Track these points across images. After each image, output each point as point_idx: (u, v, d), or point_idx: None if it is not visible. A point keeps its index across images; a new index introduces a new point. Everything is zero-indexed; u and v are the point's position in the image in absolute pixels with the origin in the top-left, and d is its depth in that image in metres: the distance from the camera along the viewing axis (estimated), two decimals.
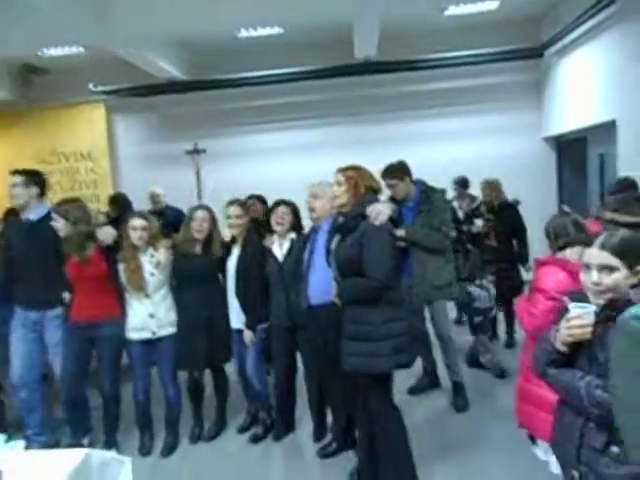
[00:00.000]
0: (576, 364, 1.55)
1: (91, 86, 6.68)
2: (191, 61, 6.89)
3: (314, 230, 3.12)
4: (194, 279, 3.31)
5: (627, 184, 3.34)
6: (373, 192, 2.66)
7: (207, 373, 3.54)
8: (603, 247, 1.53)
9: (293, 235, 3.31)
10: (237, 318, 3.32)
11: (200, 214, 3.32)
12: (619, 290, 1.49)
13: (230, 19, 4.97)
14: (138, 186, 7.01)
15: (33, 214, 3.25)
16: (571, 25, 5.34)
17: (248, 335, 3.27)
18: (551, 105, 6.58)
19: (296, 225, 3.38)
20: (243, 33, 6.10)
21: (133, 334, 3.23)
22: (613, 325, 1.39)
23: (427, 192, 3.74)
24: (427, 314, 3.85)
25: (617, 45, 4.76)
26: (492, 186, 4.74)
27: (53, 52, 6.40)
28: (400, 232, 3.63)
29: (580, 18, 5.08)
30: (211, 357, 3.33)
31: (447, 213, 3.78)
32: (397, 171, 3.71)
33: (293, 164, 6.93)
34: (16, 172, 3.24)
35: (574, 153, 6.48)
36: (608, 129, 4.95)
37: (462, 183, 5.33)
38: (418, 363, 4.12)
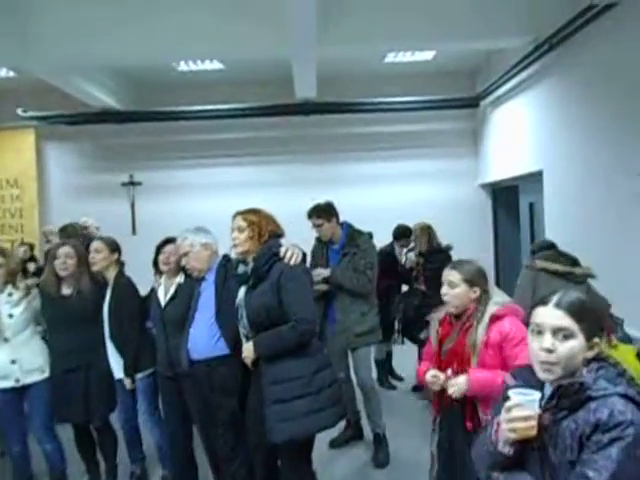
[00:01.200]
0: (526, 465, 1.30)
1: (20, 111, 6.38)
2: (129, 91, 6.73)
3: (199, 281, 2.84)
4: (65, 323, 2.98)
5: (546, 245, 3.44)
6: (276, 237, 2.51)
7: None
8: (558, 306, 1.29)
9: (181, 279, 3.00)
10: (117, 364, 3.04)
11: (63, 250, 3.00)
12: (571, 365, 1.25)
13: (166, 51, 4.86)
14: (67, 217, 6.68)
15: None
16: (502, 78, 5.53)
17: (127, 382, 3.01)
18: (486, 153, 6.77)
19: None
20: (183, 66, 6.02)
21: None
22: (566, 417, 1.22)
23: (353, 234, 3.67)
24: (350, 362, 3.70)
25: (543, 99, 4.94)
26: (422, 231, 4.73)
27: None
28: (325, 272, 3.56)
29: (509, 72, 5.27)
30: (89, 409, 3.01)
31: (373, 257, 3.70)
32: (323, 212, 3.63)
33: (230, 201, 6.69)
34: None
35: (507, 201, 6.64)
36: (537, 179, 5.08)
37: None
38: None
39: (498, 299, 2.17)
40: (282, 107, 6.34)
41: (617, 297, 2.96)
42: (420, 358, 4.03)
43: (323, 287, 3.59)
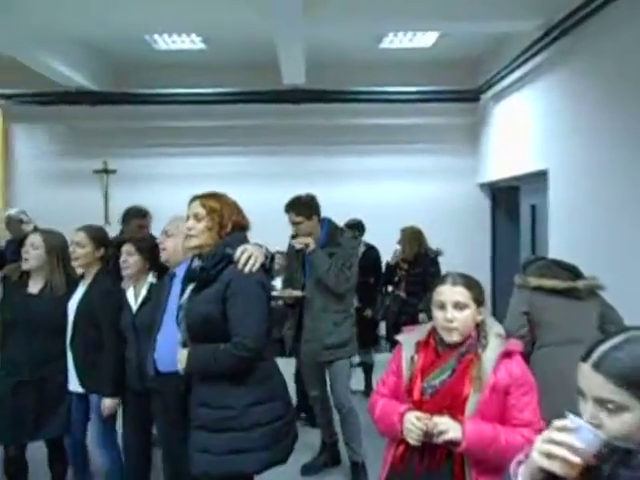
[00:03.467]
0: None
1: None
2: (105, 72, 6.23)
3: (170, 277, 2.44)
4: (23, 325, 2.60)
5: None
6: (241, 230, 2.07)
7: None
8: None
9: (153, 278, 2.64)
10: (73, 376, 2.63)
11: (30, 239, 2.65)
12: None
13: (139, 22, 4.38)
14: (35, 204, 6.21)
15: None
16: (505, 69, 5.10)
17: (107, 404, 2.58)
18: (486, 150, 6.33)
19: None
20: (162, 44, 5.54)
21: None
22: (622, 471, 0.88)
23: (334, 233, 3.24)
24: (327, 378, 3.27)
25: (551, 91, 4.51)
26: (412, 236, 4.36)
27: None
28: (296, 293, 3.16)
29: (514, 62, 4.84)
30: (39, 428, 2.60)
31: (354, 257, 3.26)
32: (304, 207, 3.19)
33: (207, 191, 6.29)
34: None
35: (507, 202, 6.21)
36: (540, 179, 4.66)
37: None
38: (316, 435, 3.54)
39: (497, 327, 1.73)
40: (268, 93, 5.87)
41: (631, 310, 2.54)
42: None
43: (297, 293, 3.17)
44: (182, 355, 1.95)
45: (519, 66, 4.84)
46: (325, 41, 5.34)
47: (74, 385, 2.63)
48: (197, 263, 2.05)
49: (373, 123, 6.41)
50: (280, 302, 3.42)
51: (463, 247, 5.91)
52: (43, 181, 6.60)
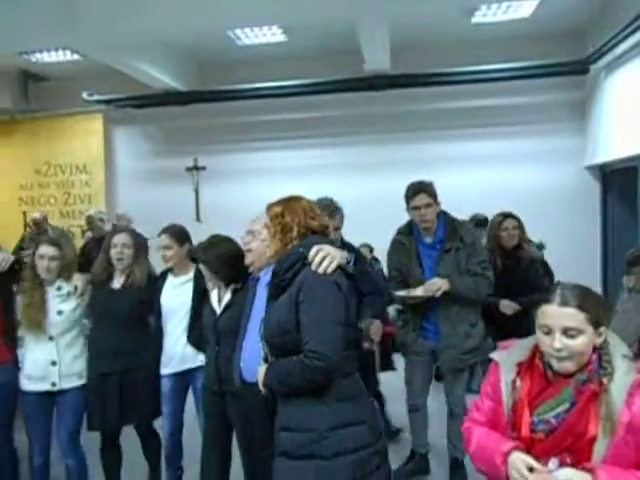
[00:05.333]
0: None
1: (85, 95, 6.25)
2: (191, 72, 6.36)
3: (254, 280, 2.32)
4: (109, 319, 2.70)
5: None
6: (314, 233, 1.86)
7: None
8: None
9: (237, 284, 2.52)
10: (180, 361, 2.76)
11: (120, 238, 2.74)
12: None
13: (222, 17, 4.37)
14: (133, 202, 6.56)
15: None
16: (619, 35, 4.45)
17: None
18: (596, 129, 5.63)
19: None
20: (244, 40, 5.53)
21: (28, 384, 2.64)
22: None
23: (454, 225, 2.93)
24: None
25: None
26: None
27: (47, 58, 6.02)
28: (441, 283, 2.80)
29: (629, 27, 4.21)
30: (124, 416, 2.71)
31: (485, 253, 3.01)
32: (433, 190, 2.93)
33: (297, 185, 6.14)
34: None
35: (622, 186, 5.50)
36: None
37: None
38: (406, 443, 3.33)
39: (622, 347, 1.40)
40: (352, 82, 5.64)
41: None
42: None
43: (419, 293, 2.85)
44: (261, 372, 1.81)
45: (635, 31, 4.21)
46: (410, 22, 5.01)
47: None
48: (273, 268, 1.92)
49: (467, 106, 5.96)
50: (395, 306, 3.17)
51: (568, 239, 5.35)
52: (140, 180, 6.93)
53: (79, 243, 6.19)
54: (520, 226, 3.50)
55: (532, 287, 3.23)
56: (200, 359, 2.72)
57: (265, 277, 2.20)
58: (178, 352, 2.76)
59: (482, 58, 5.51)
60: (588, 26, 5.50)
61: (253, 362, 2.06)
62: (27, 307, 2.61)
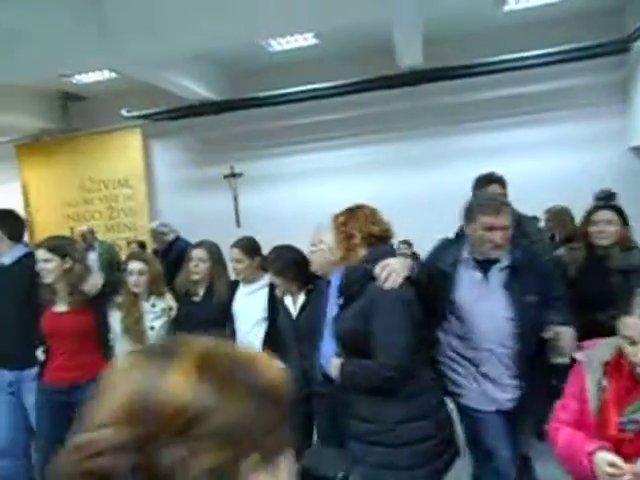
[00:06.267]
0: None
1: (124, 112, 6.42)
2: (223, 80, 6.46)
3: (326, 284, 2.47)
4: (192, 329, 2.75)
5: None
6: (377, 240, 1.98)
7: None
8: None
9: (308, 286, 2.67)
10: None
11: (196, 253, 2.87)
12: None
13: (255, 28, 4.44)
14: (175, 212, 6.72)
15: (6, 257, 2.86)
16: None
17: None
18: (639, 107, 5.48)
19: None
20: (276, 46, 5.58)
21: None
22: None
23: (519, 220, 2.71)
24: None
25: None
26: (559, 216, 3.81)
27: (86, 79, 6.22)
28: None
29: None
30: None
31: (551, 250, 3.00)
32: (503, 180, 2.93)
33: (336, 187, 6.26)
34: None
35: None
36: None
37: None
38: None
39: None
40: (385, 79, 5.63)
41: None
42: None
43: None
44: (334, 365, 2.00)
45: None
46: (441, 15, 4.96)
47: None
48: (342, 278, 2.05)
49: (503, 95, 5.87)
50: None
51: None
52: (179, 190, 7.09)
53: (125, 255, 6.41)
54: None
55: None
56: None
57: (335, 281, 2.35)
58: None
59: (515, 46, 5.41)
60: (626, 3, 5.34)
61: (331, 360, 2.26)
62: (130, 323, 2.73)
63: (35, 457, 2.88)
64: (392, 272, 1.85)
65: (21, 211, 7.11)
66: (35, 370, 2.82)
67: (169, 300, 2.87)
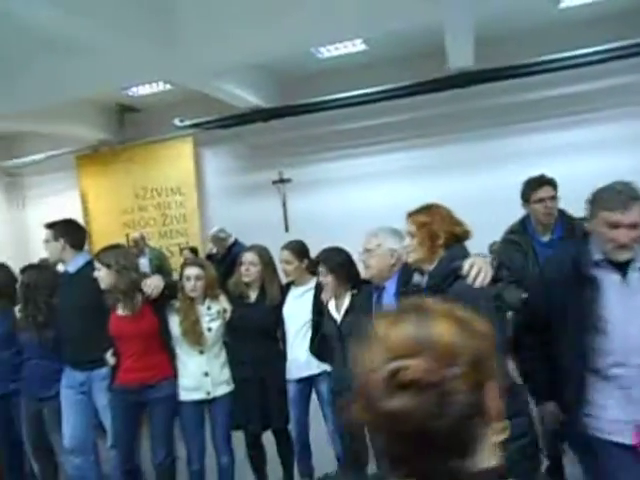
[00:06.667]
0: None
1: (177, 121, 6.63)
2: (273, 88, 6.57)
3: (377, 289, 2.48)
4: (246, 331, 2.93)
5: None
6: (456, 240, 1.97)
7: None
8: None
9: (354, 289, 2.72)
10: (304, 368, 2.94)
11: (247, 257, 2.98)
12: None
13: (307, 37, 4.52)
14: (225, 218, 6.85)
15: (71, 266, 3.04)
16: None
17: None
18: None
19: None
20: (325, 53, 5.65)
21: (185, 395, 2.90)
22: None
23: (572, 223, 2.85)
24: None
25: None
26: None
27: (142, 91, 6.46)
28: None
29: None
30: (266, 416, 2.96)
31: None
32: (554, 182, 2.92)
33: (384, 191, 6.26)
34: (47, 226, 3.04)
35: None
36: None
37: None
38: None
39: None
40: (436, 82, 5.60)
41: None
42: None
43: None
44: None
45: None
46: (494, 15, 4.89)
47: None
48: (417, 278, 2.03)
49: (560, 94, 5.70)
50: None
51: None
52: (229, 196, 7.24)
53: (177, 261, 6.59)
54: None
55: None
56: (325, 365, 2.86)
57: (391, 287, 2.37)
58: (302, 358, 2.92)
59: (571, 44, 5.27)
60: None
61: None
62: (189, 326, 2.85)
63: (109, 455, 3.02)
64: (481, 270, 1.81)
65: (80, 219, 7.53)
66: (105, 370, 2.96)
67: (223, 302, 2.98)
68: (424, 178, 6.07)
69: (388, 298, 2.36)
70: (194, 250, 6.60)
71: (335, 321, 2.69)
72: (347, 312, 2.66)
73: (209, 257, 5.79)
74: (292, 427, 3.05)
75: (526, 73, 5.45)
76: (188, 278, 2.87)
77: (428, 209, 1.99)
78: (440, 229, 1.93)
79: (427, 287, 1.92)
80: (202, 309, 2.91)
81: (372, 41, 5.44)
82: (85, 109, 6.71)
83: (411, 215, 2.00)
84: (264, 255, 3.02)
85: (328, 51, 5.59)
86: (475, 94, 5.73)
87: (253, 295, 3.01)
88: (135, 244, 6.23)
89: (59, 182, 7.75)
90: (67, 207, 7.29)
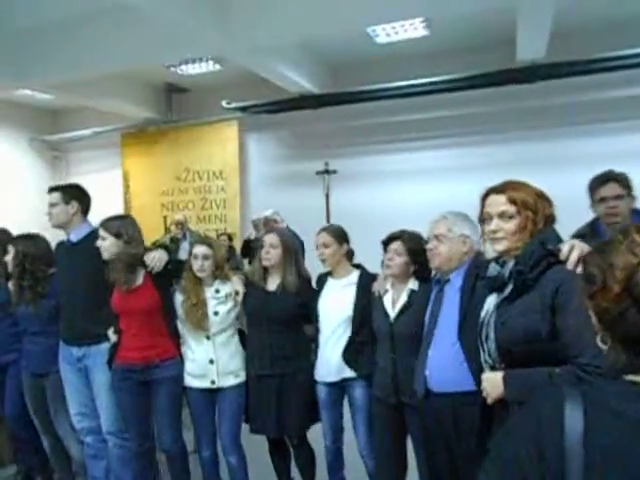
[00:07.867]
0: None
1: (224, 103, 6.45)
2: (326, 73, 6.31)
3: (438, 282, 2.21)
4: (265, 321, 2.69)
5: None
6: (549, 224, 1.68)
7: None
8: None
9: (413, 285, 2.42)
10: (336, 371, 2.65)
11: (268, 238, 2.76)
12: None
13: (364, 13, 4.22)
14: (265, 206, 6.61)
15: (74, 235, 2.86)
16: None
17: None
18: None
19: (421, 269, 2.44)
20: (383, 37, 5.33)
21: (191, 380, 2.72)
22: None
23: None
24: None
25: None
26: None
27: (191, 70, 6.30)
28: None
29: None
30: (282, 420, 2.67)
31: None
32: (623, 178, 2.67)
33: (434, 189, 5.90)
34: (52, 189, 2.86)
35: None
36: None
37: None
38: None
39: None
40: (499, 74, 5.19)
41: None
42: None
43: None
44: (493, 379, 1.60)
45: None
46: (576, 2, 4.48)
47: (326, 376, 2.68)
48: (495, 269, 1.70)
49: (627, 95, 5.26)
50: None
51: None
52: (271, 184, 7.02)
53: None
54: None
55: None
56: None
57: (456, 279, 2.12)
58: (335, 360, 2.64)
59: None
60: None
61: (443, 370, 2.03)
62: (189, 307, 2.68)
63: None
64: (582, 252, 1.48)
65: (120, 197, 7.47)
66: (105, 346, 2.79)
67: (236, 284, 2.76)
68: (478, 178, 5.55)
69: (452, 292, 2.11)
70: (230, 237, 6.42)
71: (388, 317, 2.43)
72: (403, 310, 2.39)
73: (246, 243, 5.61)
74: (324, 433, 2.77)
75: (598, 69, 4.99)
76: (195, 257, 2.70)
77: (526, 187, 1.67)
78: (542, 214, 1.64)
79: (513, 274, 1.60)
80: (209, 291, 2.72)
81: (435, 26, 5.07)
82: (133, 86, 6.61)
83: (504, 192, 1.65)
84: (286, 240, 2.79)
85: (387, 35, 5.26)
86: (544, 90, 5.30)
87: (275, 282, 2.77)
88: (180, 226, 6.10)
89: (103, 159, 7.71)
90: (109, 185, 7.25)
